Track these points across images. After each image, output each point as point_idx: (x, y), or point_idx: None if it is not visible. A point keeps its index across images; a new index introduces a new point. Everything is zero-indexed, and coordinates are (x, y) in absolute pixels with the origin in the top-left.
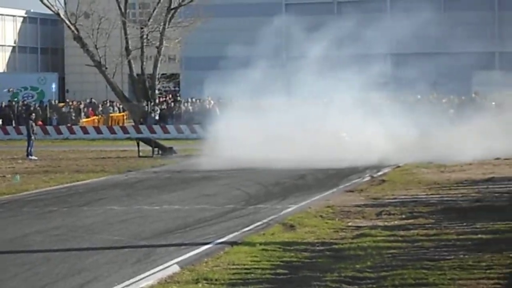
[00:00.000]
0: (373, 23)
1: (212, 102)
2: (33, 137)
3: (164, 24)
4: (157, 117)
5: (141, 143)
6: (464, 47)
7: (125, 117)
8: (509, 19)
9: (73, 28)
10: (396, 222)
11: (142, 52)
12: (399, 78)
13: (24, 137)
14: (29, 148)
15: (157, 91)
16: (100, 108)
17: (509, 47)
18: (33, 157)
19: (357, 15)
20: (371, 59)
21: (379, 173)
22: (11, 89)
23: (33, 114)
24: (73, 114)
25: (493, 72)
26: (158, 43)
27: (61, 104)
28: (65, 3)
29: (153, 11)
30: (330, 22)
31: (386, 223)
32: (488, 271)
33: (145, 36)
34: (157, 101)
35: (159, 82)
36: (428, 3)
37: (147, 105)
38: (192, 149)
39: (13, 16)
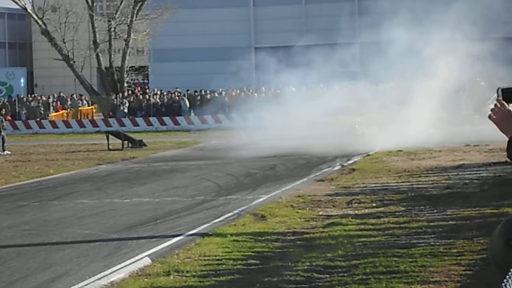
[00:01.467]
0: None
1: (180, 93)
2: (3, 133)
3: (132, 17)
4: (126, 110)
5: (110, 136)
6: None
7: (94, 110)
8: None
9: (40, 22)
10: (366, 210)
11: (110, 45)
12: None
13: None
14: (3, 144)
15: (125, 84)
16: (69, 102)
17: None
18: (6, 152)
19: None
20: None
21: (349, 162)
22: None
23: (3, 110)
24: (42, 109)
25: None
26: (126, 36)
27: (30, 99)
28: None
29: (120, 4)
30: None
31: (356, 212)
32: (459, 258)
33: (112, 29)
34: (126, 93)
35: (128, 75)
36: None
37: (116, 98)
38: (161, 142)
39: None
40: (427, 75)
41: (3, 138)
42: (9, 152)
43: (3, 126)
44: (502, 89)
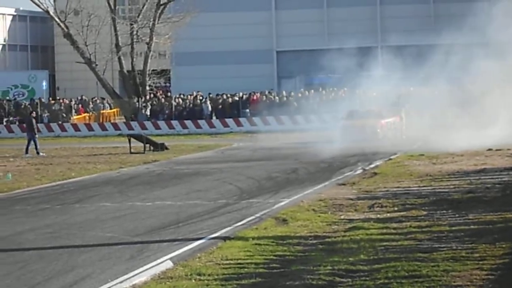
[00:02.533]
0: None
1: (202, 97)
2: (37, 135)
3: (154, 20)
4: (148, 113)
5: (132, 140)
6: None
7: (116, 113)
8: None
9: (62, 25)
10: (388, 214)
11: (132, 48)
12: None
13: (14, 135)
14: (36, 146)
15: (147, 87)
16: (91, 105)
17: None
18: (41, 154)
19: None
20: None
21: (371, 166)
22: None
23: (34, 112)
24: (64, 112)
25: None
26: (148, 39)
27: (52, 102)
28: (54, 1)
29: (143, 7)
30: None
31: (378, 216)
32: (481, 262)
33: (135, 32)
34: (147, 97)
35: (150, 78)
36: None
37: (138, 101)
38: (183, 145)
39: (3, 14)
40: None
41: (35, 141)
42: (44, 154)
43: (37, 128)
44: None
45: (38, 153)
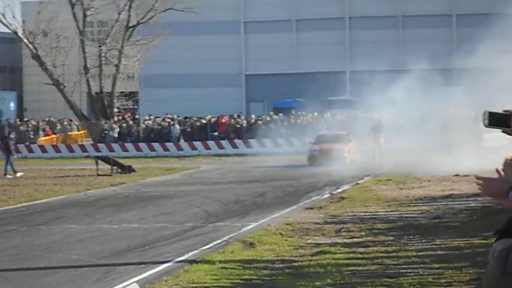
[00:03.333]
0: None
1: (170, 119)
2: (14, 156)
3: (123, 42)
4: (115, 135)
5: (99, 161)
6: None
7: (83, 135)
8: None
9: (31, 46)
10: (355, 239)
11: (101, 70)
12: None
13: None
14: (13, 166)
15: (115, 109)
16: (59, 127)
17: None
18: (19, 174)
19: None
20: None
21: (338, 190)
22: None
23: (12, 133)
24: (32, 133)
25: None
26: (116, 61)
27: (19, 123)
28: (23, 22)
29: (111, 29)
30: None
31: (345, 240)
32: None
33: (103, 54)
34: (115, 119)
35: (118, 100)
36: (385, 20)
37: (106, 123)
38: (151, 167)
39: None
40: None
41: (8, 161)
42: (21, 174)
43: (12, 149)
44: (489, 113)
45: (15, 172)
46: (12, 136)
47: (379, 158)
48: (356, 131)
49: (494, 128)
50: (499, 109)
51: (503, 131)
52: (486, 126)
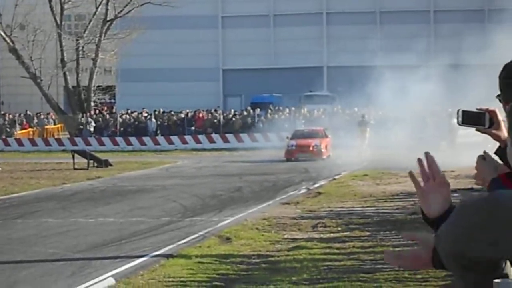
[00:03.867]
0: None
1: (147, 114)
2: None
3: (100, 36)
4: (92, 129)
5: (76, 155)
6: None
7: (60, 129)
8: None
9: (8, 40)
10: (332, 234)
11: (78, 64)
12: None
13: None
14: None
15: (92, 103)
16: (35, 120)
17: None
18: None
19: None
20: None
21: (315, 185)
22: None
23: None
24: (8, 126)
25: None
26: (93, 55)
27: None
28: (0, 15)
29: (89, 23)
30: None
31: (322, 236)
32: (423, 284)
33: (80, 48)
34: (92, 113)
35: (95, 94)
36: (362, 16)
37: (83, 117)
38: (127, 162)
39: None
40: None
41: None
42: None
43: None
44: (463, 111)
45: None
46: None
47: (365, 152)
48: (333, 126)
49: (468, 126)
50: (473, 107)
51: (476, 129)
52: (459, 125)
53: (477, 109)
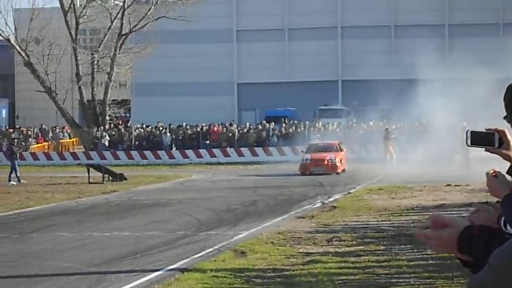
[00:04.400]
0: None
1: (162, 127)
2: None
3: (115, 50)
4: (107, 143)
5: (91, 169)
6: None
7: (75, 143)
8: (458, 45)
9: (23, 54)
10: (347, 248)
11: (93, 78)
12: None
13: None
14: (14, 173)
15: (107, 117)
16: (50, 134)
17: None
18: (22, 181)
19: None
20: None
21: (330, 199)
22: None
23: (15, 140)
24: (23, 140)
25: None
26: (109, 69)
27: (11, 130)
28: (15, 29)
29: (104, 37)
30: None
31: (337, 250)
32: None
33: (95, 62)
34: (107, 127)
35: (110, 108)
36: (377, 30)
37: (98, 131)
38: (142, 175)
39: None
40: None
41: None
42: (25, 181)
43: (16, 155)
44: (471, 132)
45: (19, 180)
46: (14, 142)
47: (391, 166)
48: (348, 140)
49: (477, 147)
50: (482, 127)
51: (486, 150)
52: (469, 146)
53: (486, 129)
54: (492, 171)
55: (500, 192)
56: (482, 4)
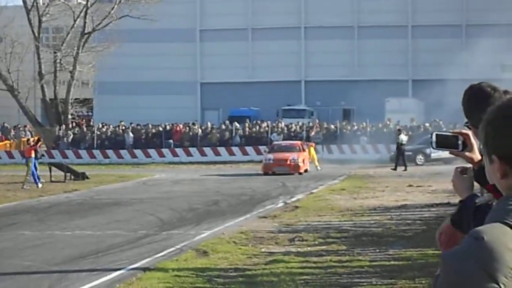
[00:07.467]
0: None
1: (124, 126)
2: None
3: (78, 49)
4: (69, 142)
5: (53, 168)
6: (378, 74)
7: None
8: (422, 48)
9: None
10: (309, 248)
11: (55, 76)
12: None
13: None
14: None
15: (70, 116)
16: (12, 133)
17: (421, 75)
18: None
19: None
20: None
21: (292, 199)
22: None
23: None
24: None
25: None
26: (71, 68)
27: None
28: None
29: (67, 36)
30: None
31: (299, 249)
32: None
33: (58, 61)
34: (69, 126)
35: (72, 107)
36: (340, 30)
37: (60, 130)
38: (104, 175)
39: None
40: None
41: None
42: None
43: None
44: (437, 135)
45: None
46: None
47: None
48: (310, 140)
49: (442, 149)
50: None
51: (450, 153)
52: (434, 148)
53: (450, 132)
54: (460, 168)
55: (463, 190)
56: (445, 6)
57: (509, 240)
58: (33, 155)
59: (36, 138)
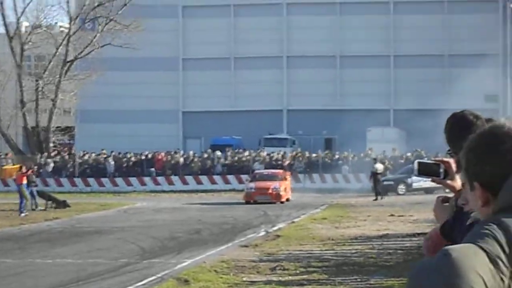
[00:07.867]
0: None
1: (106, 155)
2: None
3: (60, 77)
4: (50, 170)
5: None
6: (360, 104)
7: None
8: (404, 77)
9: None
10: (290, 277)
11: (37, 104)
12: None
13: None
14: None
15: (51, 144)
16: None
17: (403, 105)
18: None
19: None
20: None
21: (274, 228)
22: None
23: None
24: None
25: (387, 129)
26: (53, 96)
27: None
28: None
29: (49, 64)
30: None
31: (280, 278)
32: None
33: (40, 89)
34: (51, 154)
35: (54, 135)
36: (322, 60)
37: (41, 158)
38: (85, 203)
39: None
40: None
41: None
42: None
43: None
44: (419, 162)
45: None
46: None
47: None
48: (292, 169)
49: (424, 177)
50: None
51: (432, 180)
52: (416, 175)
53: (432, 160)
54: (441, 197)
55: (443, 220)
56: (428, 36)
57: (478, 262)
58: (24, 181)
59: (23, 166)
